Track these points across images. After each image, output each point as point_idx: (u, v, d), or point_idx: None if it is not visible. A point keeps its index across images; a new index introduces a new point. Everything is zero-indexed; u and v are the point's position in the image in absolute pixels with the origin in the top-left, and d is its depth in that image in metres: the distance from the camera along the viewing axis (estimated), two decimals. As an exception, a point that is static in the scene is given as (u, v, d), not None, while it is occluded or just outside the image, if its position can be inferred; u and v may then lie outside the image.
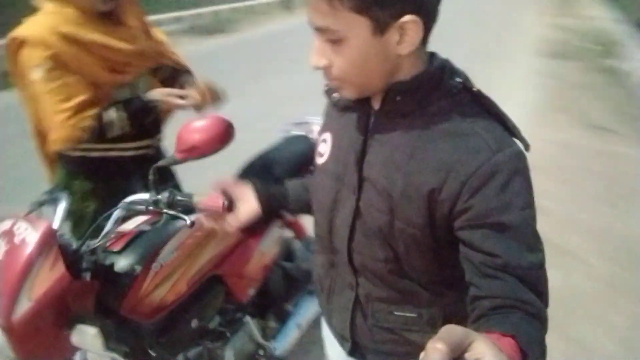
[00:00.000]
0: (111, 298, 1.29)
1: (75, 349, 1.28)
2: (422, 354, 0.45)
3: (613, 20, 12.05)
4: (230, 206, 1.13)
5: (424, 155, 0.81)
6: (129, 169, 1.73)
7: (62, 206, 1.31)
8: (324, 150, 1.00)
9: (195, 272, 1.45)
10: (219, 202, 1.11)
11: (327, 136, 1.00)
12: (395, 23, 0.74)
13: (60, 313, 1.18)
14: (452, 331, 0.47)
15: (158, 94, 1.61)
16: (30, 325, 1.12)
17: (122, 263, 1.30)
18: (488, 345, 0.47)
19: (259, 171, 1.79)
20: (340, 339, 1.07)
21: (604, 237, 3.14)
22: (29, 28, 1.49)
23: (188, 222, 1.22)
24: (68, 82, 1.50)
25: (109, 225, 1.31)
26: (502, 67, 6.96)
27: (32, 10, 1.54)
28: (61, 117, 1.49)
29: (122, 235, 1.36)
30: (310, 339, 1.98)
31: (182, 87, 1.71)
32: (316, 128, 2.02)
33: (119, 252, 1.32)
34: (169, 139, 1.37)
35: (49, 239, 1.16)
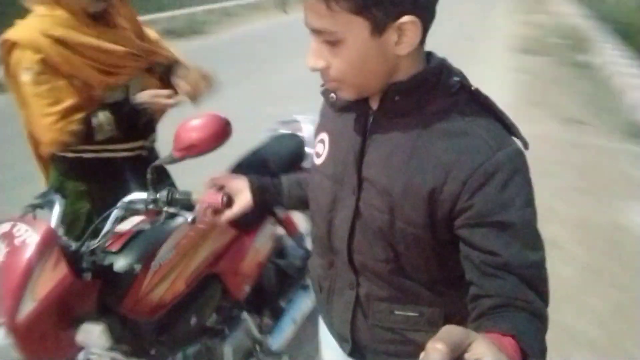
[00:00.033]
0: (112, 297, 1.30)
1: (78, 349, 1.28)
2: (422, 354, 0.45)
3: (582, 16, 12.38)
4: (229, 202, 1.15)
5: (423, 155, 0.81)
6: (123, 170, 1.73)
7: (57, 208, 1.31)
8: (321, 150, 0.98)
9: (193, 271, 1.47)
10: (218, 198, 1.13)
11: (324, 137, 0.99)
12: (393, 24, 0.74)
13: (63, 313, 1.18)
14: (452, 331, 0.47)
15: (145, 96, 1.60)
16: (34, 326, 1.12)
17: (121, 263, 1.31)
18: (488, 345, 0.48)
19: (249, 169, 1.79)
20: (340, 339, 1.06)
21: (582, 225, 3.24)
22: (20, 31, 1.49)
23: (189, 219, 1.23)
24: (57, 86, 1.50)
25: (107, 226, 1.31)
26: (477, 64, 7.06)
27: (25, 12, 1.54)
28: (48, 120, 1.49)
29: (121, 235, 1.37)
30: (306, 334, 2.00)
31: (175, 80, 1.72)
32: (304, 126, 2.05)
33: (118, 252, 1.32)
34: (167, 138, 1.38)
35: (50, 240, 1.16)
